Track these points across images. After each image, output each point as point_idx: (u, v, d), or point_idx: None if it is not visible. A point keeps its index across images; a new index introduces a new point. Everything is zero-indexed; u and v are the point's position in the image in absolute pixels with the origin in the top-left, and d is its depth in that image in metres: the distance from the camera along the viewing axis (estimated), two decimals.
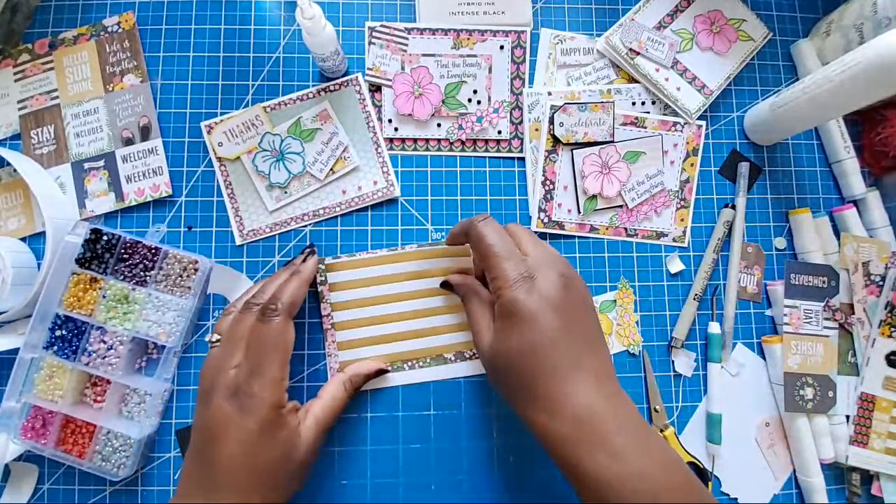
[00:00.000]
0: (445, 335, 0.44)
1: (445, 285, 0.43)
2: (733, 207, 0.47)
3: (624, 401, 0.31)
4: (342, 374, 0.41)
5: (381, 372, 0.42)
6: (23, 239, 0.44)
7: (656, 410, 0.45)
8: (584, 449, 0.29)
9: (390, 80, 0.47)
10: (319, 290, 0.43)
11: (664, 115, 0.48)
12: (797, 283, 0.46)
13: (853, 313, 0.46)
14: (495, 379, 0.35)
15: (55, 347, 0.40)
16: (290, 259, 0.44)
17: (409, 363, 0.43)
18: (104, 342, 0.40)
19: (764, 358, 0.47)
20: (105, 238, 0.41)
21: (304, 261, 0.40)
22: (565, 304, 0.32)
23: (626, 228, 0.47)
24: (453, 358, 0.44)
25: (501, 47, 0.48)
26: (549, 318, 0.31)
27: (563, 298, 0.32)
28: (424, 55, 0.47)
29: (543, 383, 0.31)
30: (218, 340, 0.36)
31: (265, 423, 0.32)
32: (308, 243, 0.44)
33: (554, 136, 0.47)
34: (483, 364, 0.36)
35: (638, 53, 0.48)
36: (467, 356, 0.44)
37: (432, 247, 0.44)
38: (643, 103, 0.48)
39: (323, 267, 0.43)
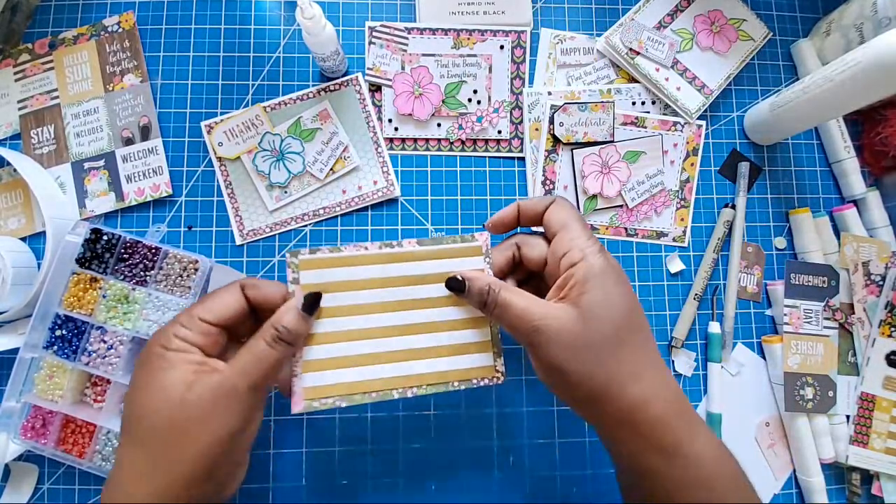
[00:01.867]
0: (450, 358, 0.34)
1: (453, 284, 0.33)
2: (733, 207, 0.47)
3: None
4: (265, 329, 0.30)
5: (314, 303, 0.32)
6: (23, 239, 0.44)
7: None
8: (685, 424, 0.29)
9: (390, 80, 0.47)
10: (291, 290, 0.33)
11: (664, 114, 0.48)
12: (797, 282, 0.46)
13: (853, 313, 0.46)
14: (585, 351, 0.28)
15: (55, 347, 0.40)
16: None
17: (400, 390, 0.33)
18: (104, 342, 0.40)
19: (764, 358, 0.47)
20: (105, 238, 0.41)
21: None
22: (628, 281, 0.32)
23: (626, 228, 0.47)
24: (457, 384, 0.34)
25: (501, 47, 0.48)
26: (629, 286, 0.31)
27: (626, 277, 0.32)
28: (424, 55, 0.47)
29: (646, 351, 0.30)
30: None
31: (146, 359, 0.29)
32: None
33: (554, 136, 0.47)
34: (558, 349, 0.28)
35: (638, 53, 0.48)
36: (476, 383, 0.34)
37: (437, 244, 0.35)
38: (643, 103, 0.48)
39: (296, 262, 0.33)
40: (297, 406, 0.32)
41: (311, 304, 0.32)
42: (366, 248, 0.34)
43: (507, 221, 0.35)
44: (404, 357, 0.34)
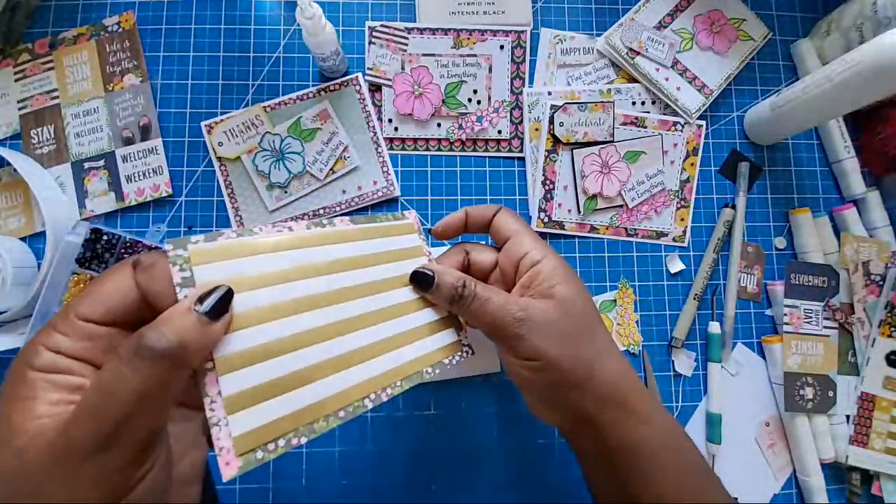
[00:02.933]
0: (415, 344, 0.29)
1: (420, 278, 0.31)
2: (733, 207, 0.47)
3: None
4: (126, 344, 0.19)
5: (224, 299, 0.21)
6: (23, 239, 0.44)
7: None
8: (653, 402, 0.30)
9: (390, 80, 0.47)
10: (181, 295, 0.21)
11: (664, 114, 0.48)
12: (797, 282, 0.46)
13: (853, 313, 0.46)
14: (565, 338, 0.29)
15: None
16: None
17: (373, 395, 0.26)
18: None
19: (764, 358, 0.47)
20: (105, 238, 0.41)
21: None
22: None
23: (626, 228, 0.47)
24: (431, 371, 0.29)
25: (501, 47, 0.48)
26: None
27: None
28: (424, 55, 0.47)
29: (606, 334, 0.32)
30: None
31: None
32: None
33: (554, 136, 0.47)
34: (540, 337, 0.28)
35: (638, 53, 0.48)
36: (449, 363, 0.31)
37: (372, 222, 0.31)
38: (643, 103, 0.48)
39: (185, 254, 0.22)
40: (230, 468, 0.20)
41: (217, 302, 0.21)
42: (290, 229, 0.26)
43: (455, 226, 0.35)
44: (363, 357, 0.27)
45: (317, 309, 0.26)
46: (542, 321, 0.29)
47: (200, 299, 0.21)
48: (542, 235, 0.47)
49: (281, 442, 0.22)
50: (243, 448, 0.21)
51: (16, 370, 0.19)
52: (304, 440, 0.23)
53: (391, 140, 0.47)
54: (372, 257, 0.29)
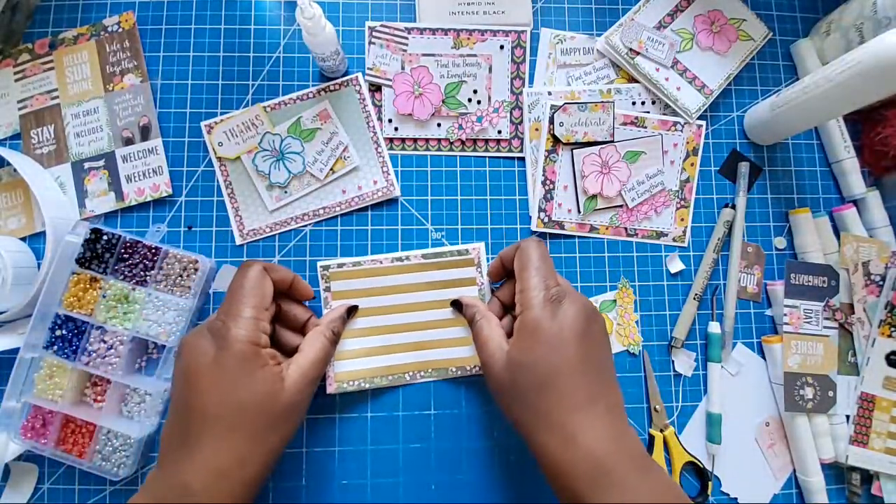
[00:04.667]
0: (449, 349, 0.43)
1: (456, 304, 0.42)
2: (733, 207, 0.47)
3: (632, 437, 0.32)
4: (319, 326, 0.39)
5: (353, 309, 0.42)
6: (23, 239, 0.44)
7: (656, 410, 0.45)
8: (595, 485, 0.29)
9: (390, 80, 0.47)
10: (323, 296, 0.42)
11: (664, 114, 0.48)
12: (797, 282, 0.46)
13: (853, 313, 0.46)
14: (509, 396, 0.33)
15: (55, 347, 0.40)
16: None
17: (410, 374, 0.42)
18: (104, 342, 0.40)
19: (764, 358, 0.47)
20: (105, 238, 0.41)
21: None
22: (587, 334, 0.33)
23: (626, 228, 0.47)
24: (455, 371, 0.43)
25: (501, 47, 0.48)
26: (573, 345, 0.32)
27: (586, 329, 0.33)
28: (424, 55, 0.47)
29: (559, 411, 0.31)
30: None
31: (240, 356, 0.32)
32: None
33: (554, 136, 0.47)
34: (494, 384, 0.35)
35: (638, 53, 0.48)
36: (469, 370, 0.43)
37: (438, 257, 0.43)
38: (643, 103, 0.48)
39: (328, 274, 0.42)
40: (331, 387, 0.41)
41: (351, 311, 0.42)
42: (380, 262, 0.43)
43: (495, 272, 0.42)
44: (413, 348, 0.43)
45: (392, 314, 0.43)
46: (490, 373, 0.35)
47: (348, 309, 0.42)
48: (542, 236, 0.47)
49: (356, 382, 0.42)
50: (338, 379, 0.41)
51: (248, 349, 0.32)
52: (367, 386, 0.42)
53: (391, 140, 0.47)
54: (434, 283, 0.43)
